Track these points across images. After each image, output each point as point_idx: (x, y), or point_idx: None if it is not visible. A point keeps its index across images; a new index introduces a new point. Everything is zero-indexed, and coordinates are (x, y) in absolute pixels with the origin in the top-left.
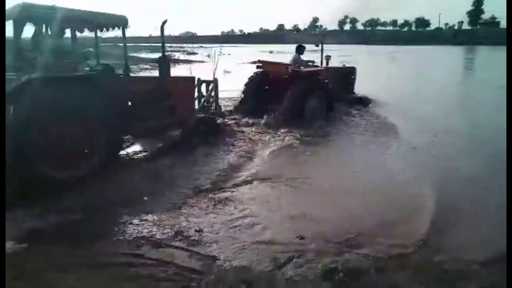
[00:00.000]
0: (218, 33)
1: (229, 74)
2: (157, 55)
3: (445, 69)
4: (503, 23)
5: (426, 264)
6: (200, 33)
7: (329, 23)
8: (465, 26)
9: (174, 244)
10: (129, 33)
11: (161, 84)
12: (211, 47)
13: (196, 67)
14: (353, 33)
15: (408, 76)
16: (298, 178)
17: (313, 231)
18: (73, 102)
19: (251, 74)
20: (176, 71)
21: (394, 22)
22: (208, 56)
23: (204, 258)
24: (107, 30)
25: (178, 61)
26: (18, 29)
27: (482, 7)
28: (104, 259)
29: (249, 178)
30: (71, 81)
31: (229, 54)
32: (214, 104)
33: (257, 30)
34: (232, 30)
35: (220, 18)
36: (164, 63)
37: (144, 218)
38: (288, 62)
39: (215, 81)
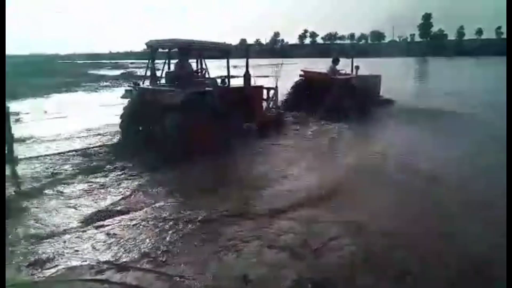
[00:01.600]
0: None
1: None
2: (117, 72)
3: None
4: (450, 36)
5: None
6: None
7: (290, 38)
8: (417, 39)
9: None
10: (88, 50)
11: (245, 91)
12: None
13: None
14: (313, 46)
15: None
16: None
17: None
18: (210, 104)
19: (296, 80)
20: None
21: (351, 36)
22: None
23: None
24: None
25: None
26: (153, 55)
27: (431, 21)
28: None
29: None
30: (209, 92)
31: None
32: (274, 105)
33: None
34: None
35: (181, 34)
36: (247, 76)
37: None
38: (325, 71)
39: (276, 88)
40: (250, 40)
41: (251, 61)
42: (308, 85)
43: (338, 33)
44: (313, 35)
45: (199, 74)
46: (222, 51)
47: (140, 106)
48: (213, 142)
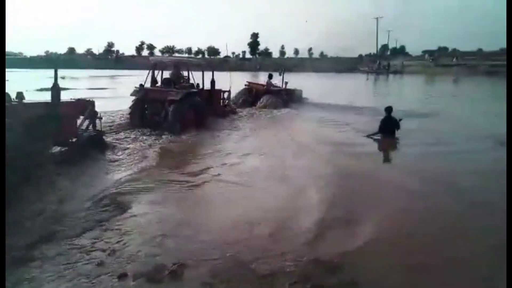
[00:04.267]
0: None
1: None
2: None
3: None
4: (275, 54)
5: None
6: None
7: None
8: (247, 55)
9: None
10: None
11: (212, 92)
12: None
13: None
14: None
15: None
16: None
17: None
18: (195, 100)
19: (243, 88)
20: None
21: (189, 50)
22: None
23: None
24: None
25: None
26: (153, 71)
27: (258, 40)
28: None
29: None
30: (194, 92)
31: None
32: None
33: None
34: None
35: None
36: (213, 82)
37: None
38: (263, 83)
39: (229, 92)
40: (81, 49)
41: (82, 72)
42: (250, 92)
43: (176, 46)
44: (151, 47)
45: (186, 81)
46: (200, 66)
47: (145, 101)
48: (197, 122)
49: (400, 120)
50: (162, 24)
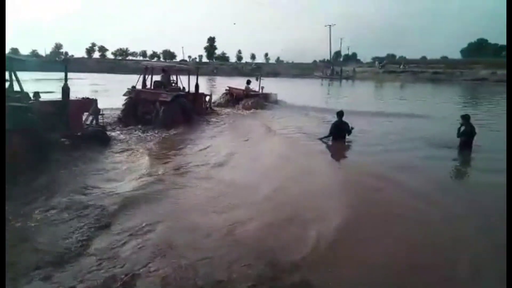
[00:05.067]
0: None
1: None
2: None
3: None
4: (232, 59)
5: None
6: None
7: (75, 50)
8: (204, 59)
9: None
10: None
11: (196, 95)
12: None
13: None
14: (103, 61)
15: None
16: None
17: None
18: (182, 101)
19: (224, 92)
20: None
21: (143, 53)
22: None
23: None
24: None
25: None
26: (144, 74)
27: (215, 44)
28: None
29: None
30: (182, 95)
31: None
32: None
33: None
34: None
35: None
36: (197, 86)
37: None
38: (243, 88)
39: (210, 95)
40: (25, 51)
41: (28, 74)
42: (231, 95)
43: (130, 49)
44: (103, 49)
45: (175, 84)
46: (187, 70)
47: (136, 101)
48: (183, 120)
49: (352, 128)
50: (113, 26)
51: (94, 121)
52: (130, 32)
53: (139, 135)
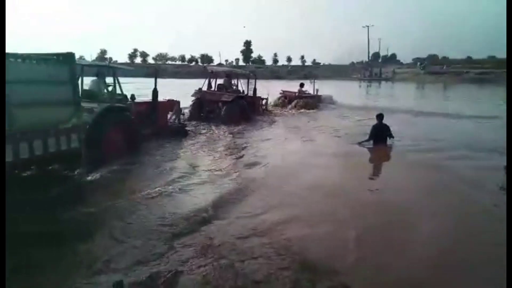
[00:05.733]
0: None
1: None
2: None
3: None
4: (268, 62)
5: None
6: None
7: (119, 56)
8: (241, 63)
9: None
10: None
11: (253, 98)
12: None
13: None
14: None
15: None
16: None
17: None
18: (240, 101)
19: (279, 96)
20: None
21: (182, 57)
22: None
23: None
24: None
25: None
26: (210, 78)
27: (251, 48)
28: None
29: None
30: (241, 96)
31: None
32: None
33: None
34: None
35: None
36: (255, 89)
37: None
38: (296, 91)
39: (267, 98)
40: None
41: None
42: (285, 98)
43: (169, 54)
44: (144, 54)
45: (235, 87)
46: (247, 75)
47: (202, 101)
48: (242, 118)
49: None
50: (153, 32)
51: (177, 120)
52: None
53: (207, 130)
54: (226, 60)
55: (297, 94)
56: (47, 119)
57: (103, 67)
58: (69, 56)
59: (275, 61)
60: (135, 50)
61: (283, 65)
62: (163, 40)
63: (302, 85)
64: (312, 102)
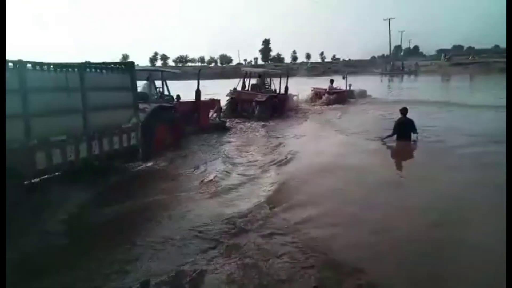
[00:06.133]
0: None
1: None
2: None
3: None
4: (286, 59)
5: None
6: None
7: (141, 60)
8: (260, 61)
9: None
10: None
11: (285, 96)
12: None
13: None
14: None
15: None
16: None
17: None
18: (274, 101)
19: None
20: None
21: (201, 59)
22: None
23: None
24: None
25: None
26: (244, 78)
27: (270, 46)
28: None
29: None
30: (274, 96)
31: None
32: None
33: None
34: None
35: None
36: (286, 88)
37: None
38: (326, 88)
39: (297, 95)
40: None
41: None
42: (316, 94)
43: (189, 56)
44: (164, 57)
45: (268, 86)
46: (279, 75)
47: (237, 100)
48: (274, 116)
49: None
50: (171, 35)
51: (217, 117)
52: (187, 40)
53: (243, 126)
54: (245, 60)
55: (327, 90)
56: (114, 120)
57: (154, 71)
58: (130, 65)
59: (294, 58)
60: (156, 54)
61: (302, 62)
62: (182, 43)
63: (332, 81)
64: (342, 97)
